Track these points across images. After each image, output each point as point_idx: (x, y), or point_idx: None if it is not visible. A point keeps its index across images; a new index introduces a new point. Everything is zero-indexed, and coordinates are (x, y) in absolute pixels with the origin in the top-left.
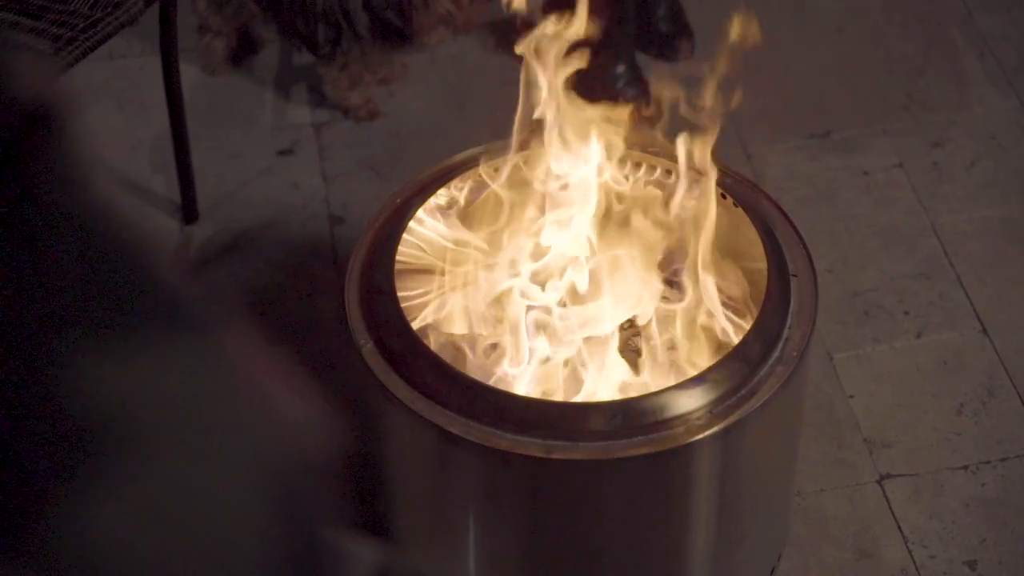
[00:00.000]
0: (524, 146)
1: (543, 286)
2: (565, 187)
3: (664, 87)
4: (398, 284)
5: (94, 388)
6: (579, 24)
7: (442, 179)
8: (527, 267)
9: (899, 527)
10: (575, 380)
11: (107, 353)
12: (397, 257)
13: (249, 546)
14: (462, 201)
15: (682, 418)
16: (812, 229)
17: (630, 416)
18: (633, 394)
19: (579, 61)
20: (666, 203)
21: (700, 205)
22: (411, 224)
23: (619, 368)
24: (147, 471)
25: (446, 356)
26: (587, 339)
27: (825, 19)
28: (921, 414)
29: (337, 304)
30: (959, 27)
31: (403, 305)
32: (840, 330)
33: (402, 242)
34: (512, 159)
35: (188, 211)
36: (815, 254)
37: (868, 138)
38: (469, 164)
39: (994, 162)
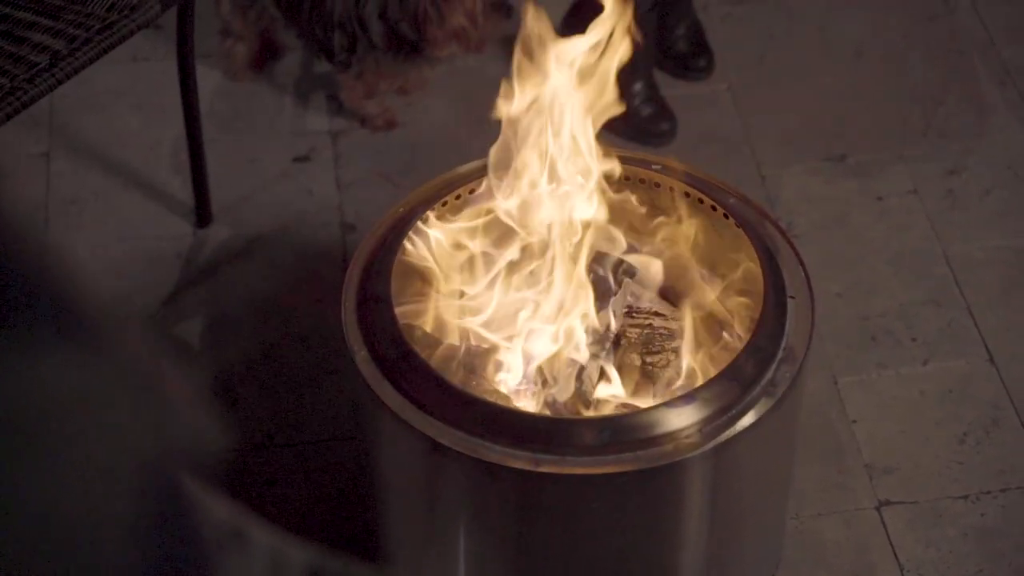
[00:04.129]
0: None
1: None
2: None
3: None
4: (398, 293)
5: None
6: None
7: (446, 190)
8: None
9: (895, 554)
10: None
11: None
12: (398, 265)
13: (120, 547)
14: (465, 212)
15: (671, 435)
16: (824, 252)
17: (619, 432)
18: (620, 409)
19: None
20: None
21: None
22: (413, 234)
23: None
24: (7, 474)
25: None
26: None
27: (846, 43)
28: (923, 441)
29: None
30: (981, 55)
31: (399, 313)
32: (847, 354)
33: (405, 252)
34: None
35: (201, 214)
36: (826, 277)
37: (884, 163)
38: (474, 176)
39: (1009, 192)
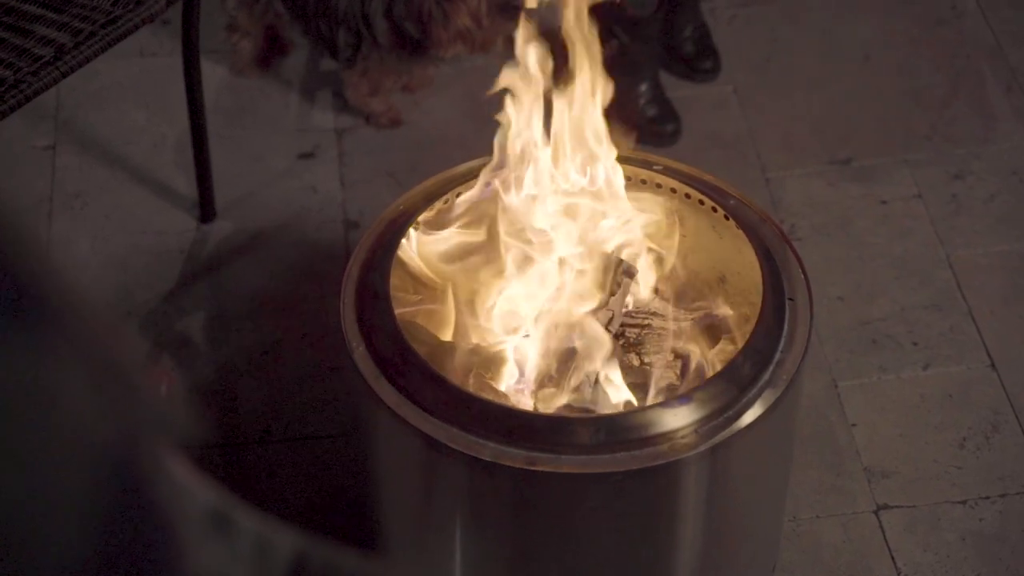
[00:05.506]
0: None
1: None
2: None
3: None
4: (397, 289)
5: None
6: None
7: (447, 187)
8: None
9: (893, 558)
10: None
11: None
12: (397, 262)
13: (88, 536)
14: (464, 210)
15: (667, 435)
16: (826, 256)
17: (614, 431)
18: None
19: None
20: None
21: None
22: (413, 231)
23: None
24: None
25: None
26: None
27: (853, 47)
28: (923, 446)
29: None
30: (988, 61)
31: (397, 309)
32: (847, 358)
33: (404, 248)
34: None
35: (205, 209)
36: (828, 281)
37: (889, 167)
38: (475, 174)
39: (1014, 197)
